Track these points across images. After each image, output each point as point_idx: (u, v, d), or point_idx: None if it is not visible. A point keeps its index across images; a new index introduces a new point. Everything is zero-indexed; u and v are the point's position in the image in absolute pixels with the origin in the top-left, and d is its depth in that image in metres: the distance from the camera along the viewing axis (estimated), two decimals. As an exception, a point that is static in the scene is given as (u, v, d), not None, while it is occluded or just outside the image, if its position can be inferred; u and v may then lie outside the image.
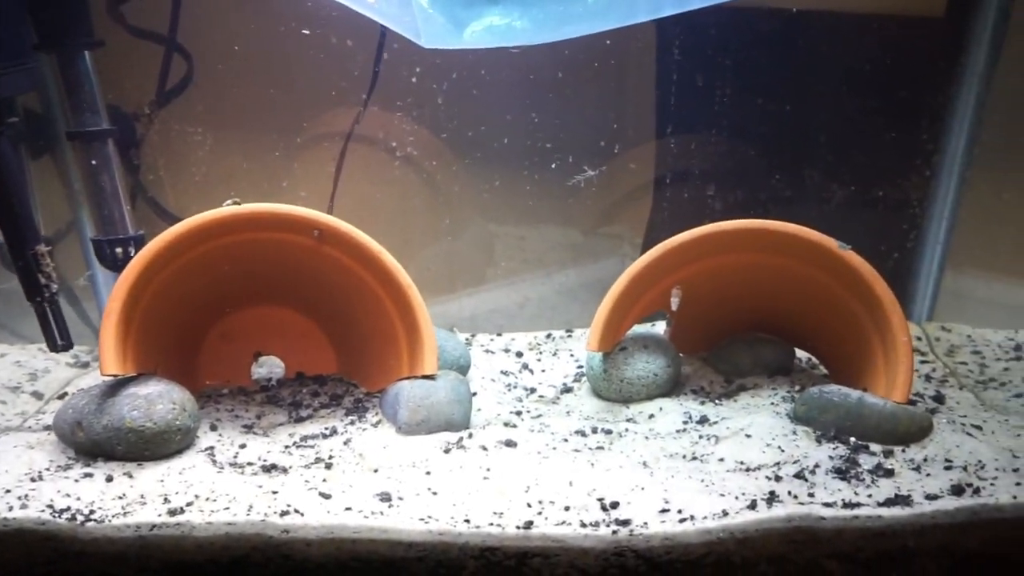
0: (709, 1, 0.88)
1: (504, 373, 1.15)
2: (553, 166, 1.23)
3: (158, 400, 0.90)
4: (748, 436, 0.93)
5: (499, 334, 1.30)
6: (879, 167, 1.21)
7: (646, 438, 0.95)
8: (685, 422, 0.98)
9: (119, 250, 1.14)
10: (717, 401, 1.03)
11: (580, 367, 1.16)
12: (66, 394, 1.10)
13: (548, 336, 1.28)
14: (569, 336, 1.28)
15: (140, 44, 1.15)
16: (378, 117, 1.22)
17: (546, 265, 1.38)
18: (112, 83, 1.12)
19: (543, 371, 1.16)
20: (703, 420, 0.98)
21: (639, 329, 1.10)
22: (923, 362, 1.14)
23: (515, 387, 1.11)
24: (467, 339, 1.28)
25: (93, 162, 1.09)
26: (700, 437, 0.94)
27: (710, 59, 1.19)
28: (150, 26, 1.15)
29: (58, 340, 0.95)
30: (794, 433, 0.93)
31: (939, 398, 1.03)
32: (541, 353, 1.22)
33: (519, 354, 1.22)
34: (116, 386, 0.91)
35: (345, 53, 1.18)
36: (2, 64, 0.81)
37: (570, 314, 1.36)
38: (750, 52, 1.20)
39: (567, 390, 1.09)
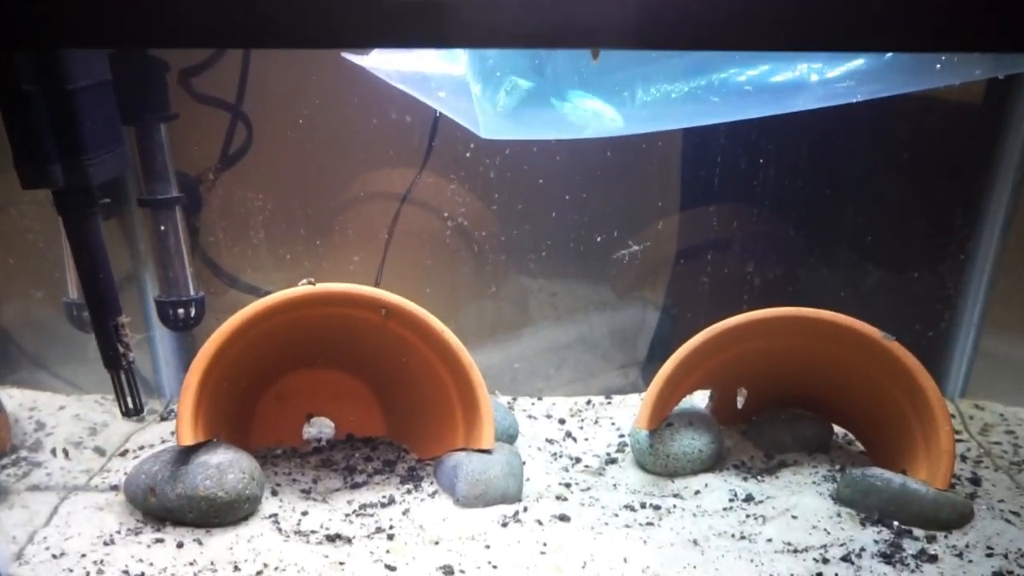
0: (770, 110, 0.92)
1: (549, 441, 1.18)
2: (598, 239, 1.27)
3: (229, 469, 0.93)
4: (794, 517, 0.96)
5: (540, 398, 1.33)
6: (915, 250, 1.24)
7: (694, 515, 0.98)
8: (731, 500, 1.01)
9: (181, 311, 1.18)
10: (759, 478, 1.06)
11: (621, 436, 1.19)
12: (127, 451, 1.14)
13: (588, 403, 1.32)
14: (608, 403, 1.32)
15: (204, 112, 1.21)
16: (431, 188, 1.27)
17: (581, 327, 1.42)
18: (178, 147, 1.17)
19: (586, 439, 1.19)
20: (748, 498, 1.01)
21: (684, 404, 1.13)
22: (958, 440, 1.17)
23: (561, 456, 1.14)
24: (509, 403, 1.31)
25: (162, 227, 1.14)
26: (747, 516, 0.97)
27: (742, 138, 1.23)
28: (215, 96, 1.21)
29: (130, 405, 0.99)
30: (838, 515, 0.96)
31: (976, 480, 1.06)
32: (583, 420, 1.25)
33: (561, 421, 1.25)
34: (187, 453, 0.95)
35: (402, 127, 1.23)
36: (98, 152, 0.86)
37: (607, 378, 1.39)
38: (786, 132, 1.23)
39: (611, 461, 1.13)
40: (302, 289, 0.95)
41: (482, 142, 1.23)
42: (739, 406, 1.14)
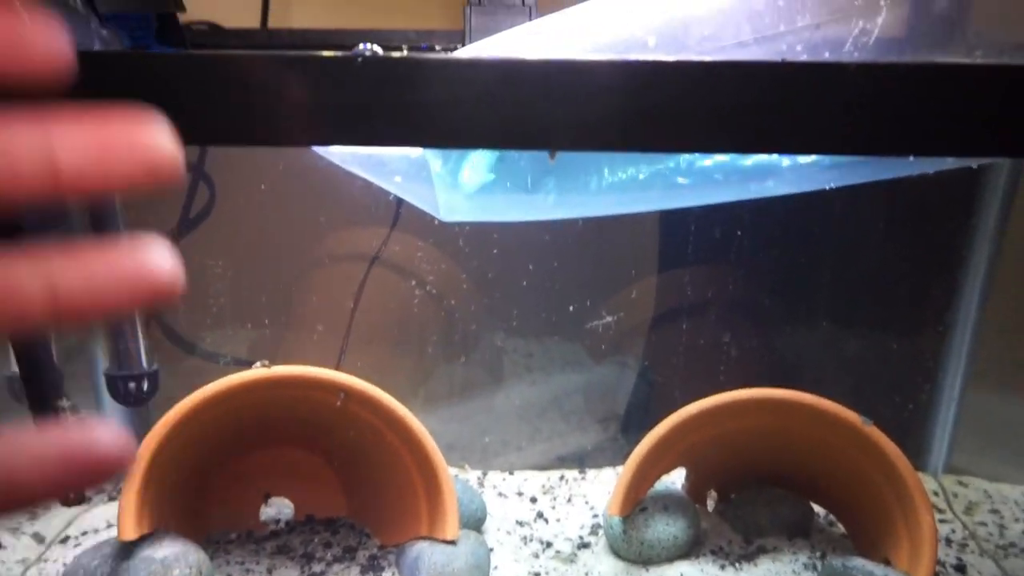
0: (739, 195, 0.89)
1: (519, 524, 1.13)
2: (571, 309, 1.24)
3: (175, 564, 0.87)
4: (773, 613, 0.91)
5: (511, 472, 1.28)
6: (893, 319, 1.22)
7: (669, 610, 0.93)
8: (708, 592, 0.96)
9: (133, 385, 1.12)
10: (737, 565, 1.02)
11: (595, 516, 1.14)
12: (68, 537, 1.07)
13: (561, 478, 1.27)
14: (583, 478, 1.27)
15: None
16: (399, 254, 1.23)
17: (556, 396, 1.39)
18: (133, 209, 1.13)
19: (558, 520, 1.14)
20: (726, 590, 0.96)
21: (659, 485, 1.09)
22: (942, 521, 1.13)
23: (531, 539, 1.09)
24: (479, 478, 1.26)
25: (114, 299, 1.09)
26: (724, 612, 0.93)
27: (719, 206, 1.21)
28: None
29: (71, 495, 0.93)
30: (820, 611, 0.92)
31: (961, 567, 1.02)
32: (555, 499, 1.20)
33: (533, 499, 1.20)
34: (130, 546, 0.89)
35: (369, 191, 1.19)
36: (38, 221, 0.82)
37: (582, 446, 1.35)
38: (762, 200, 1.22)
39: (584, 545, 1.08)
40: (255, 373, 0.90)
41: (451, 209, 1.21)
42: (709, 509, 1.11)
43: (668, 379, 1.32)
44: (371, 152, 0.81)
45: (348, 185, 1.18)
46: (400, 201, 1.20)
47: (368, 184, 1.20)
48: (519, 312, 1.26)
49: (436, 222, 1.22)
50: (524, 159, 0.81)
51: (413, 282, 1.25)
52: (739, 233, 1.20)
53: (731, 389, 1.01)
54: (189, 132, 0.53)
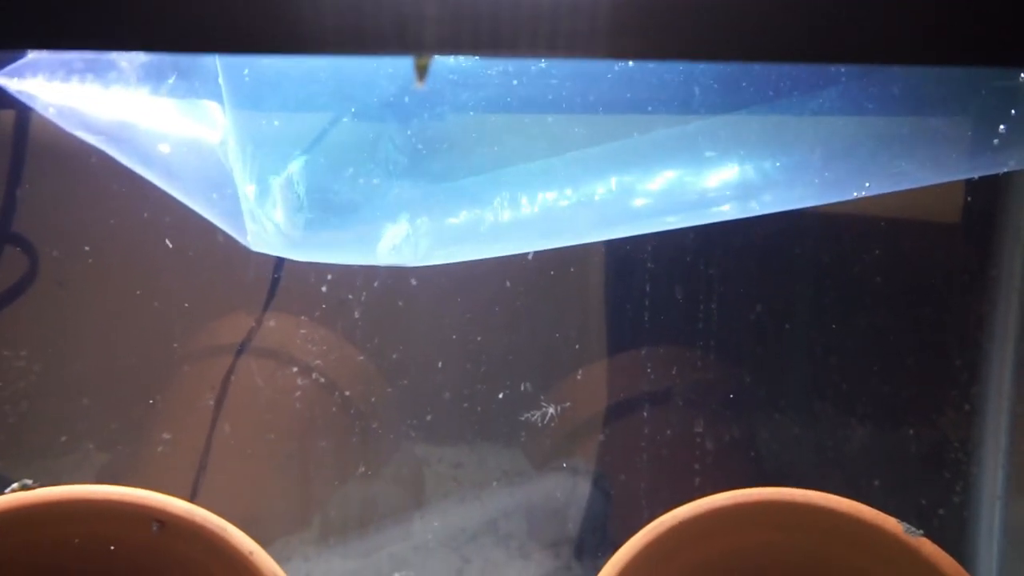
0: (654, 226, 0.65)
1: None
2: (501, 396, 0.97)
3: None
4: None
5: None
6: (906, 399, 0.99)
7: None
8: None
9: None
10: None
11: None
12: None
13: (497, 626, 0.96)
14: (525, 625, 0.96)
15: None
16: (276, 334, 0.96)
17: (492, 516, 1.11)
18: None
19: None
20: None
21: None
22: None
23: None
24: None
25: None
26: None
27: (677, 261, 0.99)
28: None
29: None
30: None
31: None
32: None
33: (457, 661, 0.89)
34: None
35: (236, 255, 0.93)
36: None
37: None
38: (736, 259, 1.01)
39: None
40: (9, 499, 0.60)
41: (342, 273, 0.96)
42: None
43: (630, 486, 1.05)
44: (116, 117, 0.54)
45: (206, 245, 0.92)
46: (279, 266, 0.94)
47: (233, 244, 0.94)
48: (435, 404, 0.99)
49: (323, 288, 0.97)
50: (374, 167, 0.56)
51: (295, 369, 0.97)
52: (707, 293, 0.97)
53: (712, 493, 0.75)
54: None
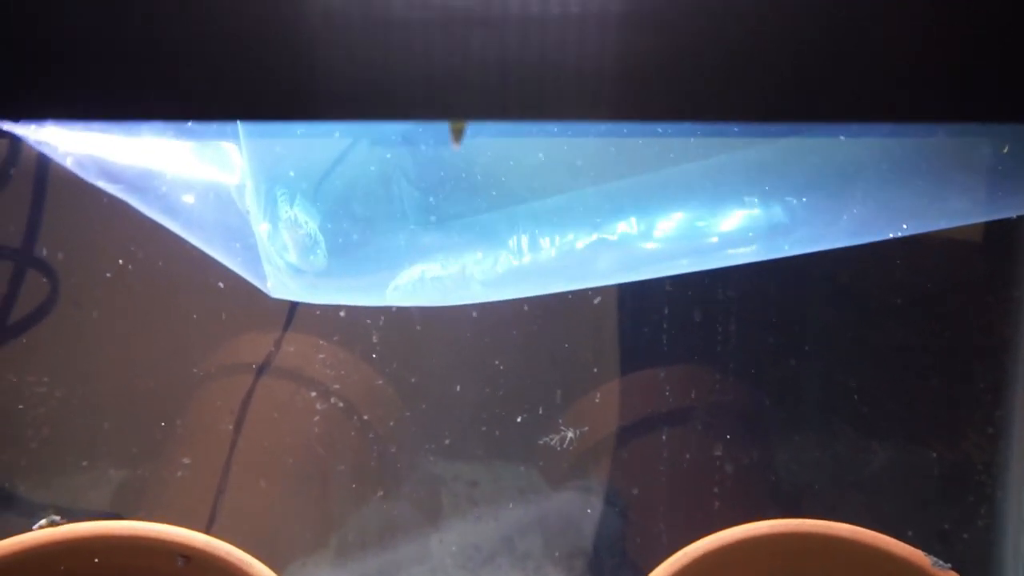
0: (680, 268, 0.64)
1: None
2: (519, 420, 0.97)
3: None
4: None
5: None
6: (928, 421, 0.98)
7: None
8: None
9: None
10: None
11: None
12: None
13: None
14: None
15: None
16: (295, 357, 0.96)
17: (507, 535, 1.10)
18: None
19: None
20: None
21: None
22: None
23: None
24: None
25: None
26: None
27: (694, 283, 0.98)
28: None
29: None
30: None
31: None
32: None
33: None
34: None
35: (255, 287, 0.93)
36: None
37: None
38: (749, 275, 1.00)
39: None
40: (38, 534, 0.60)
41: (360, 297, 0.95)
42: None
43: (649, 507, 1.04)
44: (135, 163, 0.54)
45: (224, 270, 0.92)
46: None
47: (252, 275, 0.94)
48: (453, 427, 0.98)
49: (342, 313, 0.97)
50: (388, 205, 0.55)
51: (314, 394, 0.97)
52: (725, 315, 0.97)
53: (730, 515, 0.74)
54: None
